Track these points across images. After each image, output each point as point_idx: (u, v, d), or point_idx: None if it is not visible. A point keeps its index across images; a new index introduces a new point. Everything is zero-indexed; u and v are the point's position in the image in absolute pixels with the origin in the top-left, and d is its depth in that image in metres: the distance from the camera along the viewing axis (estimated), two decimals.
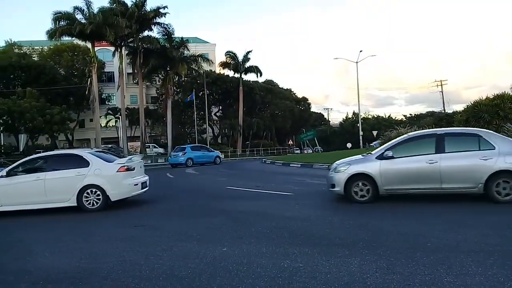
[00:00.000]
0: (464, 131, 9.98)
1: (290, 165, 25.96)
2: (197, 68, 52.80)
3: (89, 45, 46.09)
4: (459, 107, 33.42)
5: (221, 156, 38.07)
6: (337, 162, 10.27)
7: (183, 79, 58.88)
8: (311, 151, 54.70)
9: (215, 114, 66.12)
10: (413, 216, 7.53)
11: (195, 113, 54.43)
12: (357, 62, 47.85)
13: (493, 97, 27.81)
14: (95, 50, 45.66)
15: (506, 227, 6.36)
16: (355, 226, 6.80)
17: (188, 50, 49.80)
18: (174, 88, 55.98)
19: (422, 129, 37.57)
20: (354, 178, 9.16)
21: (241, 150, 58.98)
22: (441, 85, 64.91)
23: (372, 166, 9.14)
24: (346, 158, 10.37)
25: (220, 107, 66.24)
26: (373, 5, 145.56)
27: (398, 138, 9.94)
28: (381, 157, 9.19)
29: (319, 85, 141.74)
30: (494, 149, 8.50)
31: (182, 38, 49.69)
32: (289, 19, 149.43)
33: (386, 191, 9.05)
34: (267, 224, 7.29)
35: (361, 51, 48.11)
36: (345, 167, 9.40)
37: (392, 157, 9.03)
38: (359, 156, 10.13)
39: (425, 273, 4.35)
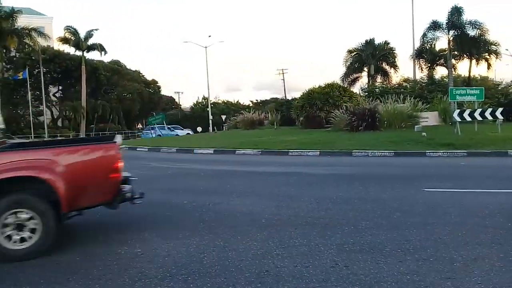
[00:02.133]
0: None
1: (137, 149, 25.21)
2: (31, 44, 47.29)
3: None
4: (298, 94, 36.60)
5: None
6: None
7: (14, 55, 52.15)
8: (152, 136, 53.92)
9: (53, 95, 60.24)
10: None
11: (29, 93, 48.76)
12: (206, 47, 48.45)
13: (325, 85, 30.98)
14: None
15: None
16: (198, 207, 6.94)
17: (18, 22, 44.15)
18: (4, 64, 49.37)
19: (266, 114, 40.19)
20: None
21: (84, 134, 55.03)
22: (283, 73, 69.97)
23: None
24: None
25: (60, 88, 60.56)
26: None
27: None
28: None
29: (170, 68, 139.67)
30: None
31: (12, 8, 43.86)
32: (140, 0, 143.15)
33: None
34: (105, 210, 6.98)
35: (209, 36, 49.11)
36: None
37: None
38: None
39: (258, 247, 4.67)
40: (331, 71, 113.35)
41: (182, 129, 45.99)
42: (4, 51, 46.63)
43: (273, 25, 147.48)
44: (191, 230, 5.49)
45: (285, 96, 65.44)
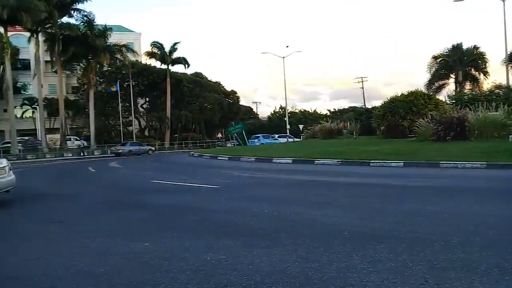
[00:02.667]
0: None
1: (218, 158, 25.96)
2: (122, 58, 50.90)
3: (1, 29, 42.57)
4: (378, 103, 35.53)
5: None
6: None
7: (106, 69, 56.48)
8: (231, 145, 55.42)
9: (141, 106, 64.20)
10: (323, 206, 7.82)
11: (120, 104, 52.45)
12: (283, 58, 48.91)
13: (408, 93, 29.78)
14: (8, 35, 42.27)
15: None
16: (278, 216, 6.94)
17: (110, 39, 47.76)
18: (97, 78, 53.58)
19: (345, 123, 39.48)
20: None
21: (169, 143, 57.86)
22: (362, 81, 68.37)
23: None
24: None
25: (147, 99, 64.43)
26: (301, 2, 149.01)
27: None
28: None
29: (248, 79, 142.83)
30: None
31: (105, 26, 47.62)
32: (218, 11, 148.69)
33: None
34: (191, 217, 7.23)
35: (287, 46, 49.33)
36: None
37: None
38: None
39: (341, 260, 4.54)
40: (413, 79, 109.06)
41: (285, 137, 46.68)
42: (98, 66, 50.56)
43: (351, 33, 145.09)
44: (273, 240, 5.49)
45: (365, 105, 63.88)
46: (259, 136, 46.43)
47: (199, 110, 64.42)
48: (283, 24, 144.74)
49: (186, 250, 5.15)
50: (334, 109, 78.37)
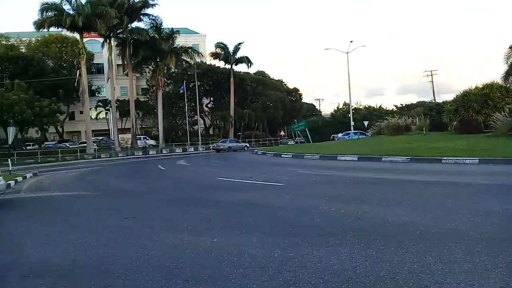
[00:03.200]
0: None
1: (282, 155, 25.98)
2: (188, 60, 52.48)
3: (77, 36, 45.51)
4: (449, 97, 33.68)
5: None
6: None
7: (173, 71, 58.52)
8: (293, 142, 55.38)
9: (206, 106, 65.84)
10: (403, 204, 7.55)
11: (186, 104, 54.16)
12: (347, 53, 47.91)
13: (483, 86, 28.00)
14: (84, 41, 45.11)
15: None
16: (345, 215, 6.82)
17: (177, 41, 49.44)
18: (165, 79, 55.66)
19: (413, 119, 37.89)
20: None
21: None
22: (431, 75, 65.33)
23: None
24: None
25: (211, 99, 65.95)
26: None
27: None
28: None
29: (310, 76, 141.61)
30: None
31: (172, 29, 49.36)
32: (279, 9, 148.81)
33: None
34: (257, 214, 7.30)
35: (351, 41, 48.61)
36: None
37: None
38: None
39: (414, 261, 4.37)
40: (488, 72, 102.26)
41: (366, 134, 46.70)
42: (165, 68, 52.53)
43: (417, 24, 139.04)
44: (341, 238, 5.40)
45: (434, 99, 61.04)
46: (349, 133, 48.31)
47: (261, 108, 64.93)
48: (347, 20, 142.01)
49: (254, 247, 5.20)
50: (401, 104, 75.50)
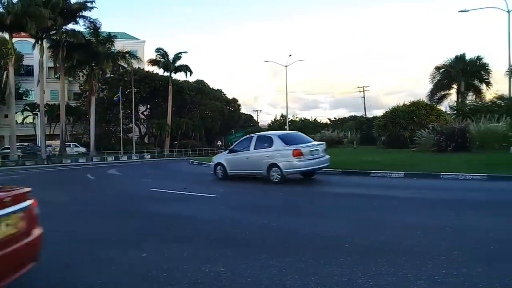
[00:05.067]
0: (264, 134, 15.54)
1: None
2: (126, 65, 51.05)
3: (6, 35, 42.69)
4: (379, 112, 35.53)
5: None
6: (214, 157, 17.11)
7: (109, 76, 56.60)
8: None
9: (142, 113, 64.25)
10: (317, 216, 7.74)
11: (121, 111, 52.49)
12: (286, 66, 48.98)
13: (410, 103, 29.76)
14: (13, 41, 42.44)
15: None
16: (278, 228, 6.86)
17: (114, 46, 48.01)
18: (99, 84, 53.69)
19: (345, 133, 39.38)
20: (219, 164, 15.50)
21: (168, 150, 57.78)
22: (363, 91, 68.59)
23: (225, 157, 15.54)
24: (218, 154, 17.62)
25: (148, 106, 64.51)
26: (302, 11, 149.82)
27: (241, 139, 16.06)
28: (230, 151, 15.55)
29: (249, 87, 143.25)
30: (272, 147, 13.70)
31: (109, 33, 47.86)
32: (220, 20, 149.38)
33: (232, 174, 14.97)
34: (190, 227, 7.17)
35: (290, 55, 49.55)
36: (213, 158, 16.54)
37: (234, 151, 15.17)
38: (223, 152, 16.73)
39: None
40: (416, 89, 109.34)
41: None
42: (101, 73, 50.72)
43: (353, 42, 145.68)
44: (272, 251, 5.42)
45: (365, 114, 63.85)
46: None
47: (200, 117, 64.47)
48: (286, 34, 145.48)
49: (185, 261, 5.08)
50: (335, 118, 78.19)
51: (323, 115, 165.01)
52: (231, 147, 15.98)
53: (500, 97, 34.68)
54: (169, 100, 57.31)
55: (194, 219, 7.98)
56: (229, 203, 9.83)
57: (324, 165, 14.17)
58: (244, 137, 16.14)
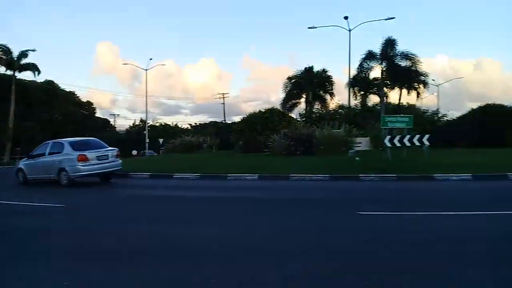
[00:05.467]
0: (58, 141, 16.00)
1: None
2: None
3: None
4: (238, 118, 37.02)
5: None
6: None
7: None
8: None
9: None
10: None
11: None
12: (146, 70, 47.75)
13: (265, 110, 31.49)
14: None
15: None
16: (137, 235, 6.65)
17: None
18: None
19: (205, 138, 39.96)
20: (20, 169, 16.17)
21: (9, 157, 51.52)
22: (223, 97, 70.36)
23: (24, 163, 16.33)
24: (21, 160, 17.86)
25: None
26: (161, 14, 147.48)
27: (40, 145, 16.54)
28: (29, 157, 16.24)
29: (107, 90, 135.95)
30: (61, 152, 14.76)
31: None
32: (73, 20, 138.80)
33: (31, 178, 15.69)
34: (43, 241, 6.50)
35: (151, 59, 48.26)
36: (17, 163, 17.57)
37: (32, 157, 15.93)
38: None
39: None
40: (271, 97, 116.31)
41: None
42: None
43: (214, 48, 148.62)
44: (122, 260, 5.24)
45: (225, 120, 65.60)
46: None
47: (49, 121, 59.02)
48: (147, 37, 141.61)
49: (41, 279, 4.60)
50: (196, 123, 78.83)
51: (184, 121, 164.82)
52: (30, 153, 16.59)
53: (341, 107, 38.96)
54: (11, 101, 51.20)
55: (45, 232, 7.32)
56: (78, 213, 9.21)
57: (113, 169, 15.47)
58: (42, 144, 16.57)
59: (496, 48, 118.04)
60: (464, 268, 4.57)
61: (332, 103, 43.49)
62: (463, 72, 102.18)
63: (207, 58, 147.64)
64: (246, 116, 32.09)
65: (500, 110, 29.67)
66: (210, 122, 73.99)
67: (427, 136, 19.51)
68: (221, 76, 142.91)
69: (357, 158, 18.34)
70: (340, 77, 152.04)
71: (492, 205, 8.62)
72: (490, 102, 31.62)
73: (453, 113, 35.21)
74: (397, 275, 4.37)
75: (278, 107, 39.21)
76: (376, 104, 36.63)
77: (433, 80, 43.12)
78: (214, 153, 33.20)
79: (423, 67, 34.47)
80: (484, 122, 28.40)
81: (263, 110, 31.69)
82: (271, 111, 31.74)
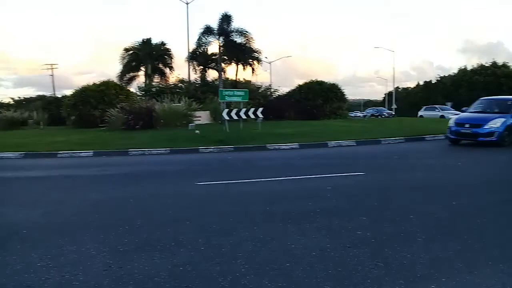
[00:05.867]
0: None
1: None
2: None
3: None
4: (70, 92, 33.77)
5: None
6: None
7: None
8: None
9: None
10: None
11: None
12: None
13: (100, 83, 29.56)
14: None
15: None
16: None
17: None
18: None
19: (32, 113, 35.85)
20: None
21: None
22: (52, 69, 63.79)
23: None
24: None
25: None
26: None
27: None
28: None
29: None
30: None
31: None
32: None
33: None
34: None
35: None
36: None
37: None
38: None
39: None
40: (107, 70, 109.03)
41: None
42: None
43: (42, 18, 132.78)
44: None
45: (54, 94, 59.82)
46: None
47: None
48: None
49: None
50: (19, 97, 69.88)
51: (5, 94, 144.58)
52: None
53: (181, 81, 38.87)
54: None
55: None
56: None
57: None
58: None
59: (322, 30, 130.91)
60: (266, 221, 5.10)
61: (172, 77, 43.13)
62: (292, 51, 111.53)
63: (27, 26, 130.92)
64: (78, 89, 29.66)
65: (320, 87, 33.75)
66: (37, 96, 66.40)
67: (260, 109, 20.89)
68: (47, 46, 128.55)
69: (197, 131, 18.66)
70: (182, 51, 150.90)
71: (311, 171, 9.74)
72: (313, 79, 35.49)
73: (283, 89, 38.40)
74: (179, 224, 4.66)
75: (116, 80, 37.29)
76: (215, 79, 37.50)
77: (266, 57, 46.13)
78: (42, 129, 30.10)
79: (255, 44, 36.41)
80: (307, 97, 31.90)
81: (98, 83, 29.71)
82: (107, 84, 29.94)
